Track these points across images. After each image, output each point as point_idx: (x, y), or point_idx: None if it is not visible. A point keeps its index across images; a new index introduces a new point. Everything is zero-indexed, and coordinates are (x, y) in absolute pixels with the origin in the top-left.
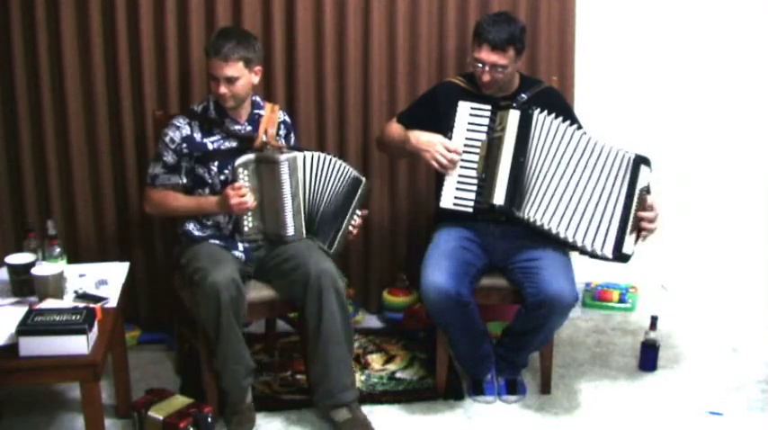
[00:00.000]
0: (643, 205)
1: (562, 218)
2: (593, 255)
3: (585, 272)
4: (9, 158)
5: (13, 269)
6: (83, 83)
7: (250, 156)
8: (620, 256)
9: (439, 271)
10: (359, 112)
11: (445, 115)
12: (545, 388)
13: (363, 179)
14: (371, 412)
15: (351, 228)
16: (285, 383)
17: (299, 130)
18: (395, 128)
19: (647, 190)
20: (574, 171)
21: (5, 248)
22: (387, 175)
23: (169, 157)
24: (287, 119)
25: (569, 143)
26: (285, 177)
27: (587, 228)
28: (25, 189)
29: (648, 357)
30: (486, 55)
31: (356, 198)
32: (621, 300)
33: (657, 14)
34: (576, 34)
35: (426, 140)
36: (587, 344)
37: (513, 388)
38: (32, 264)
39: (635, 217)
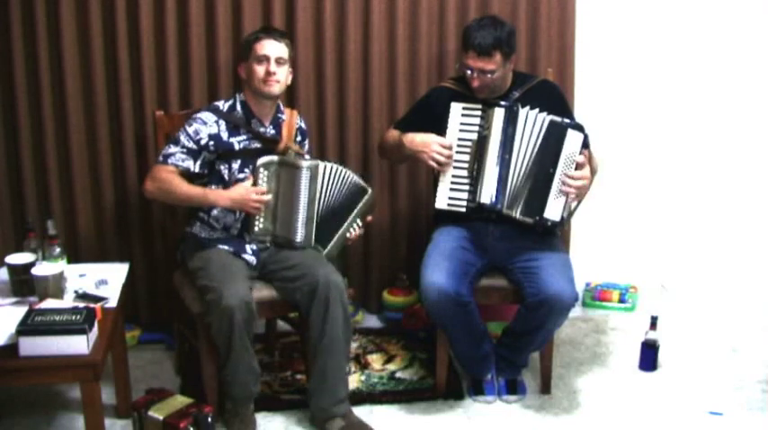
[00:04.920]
0: (572, 168)
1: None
2: (535, 226)
3: (585, 272)
4: (9, 158)
5: (13, 269)
6: (83, 83)
7: (273, 158)
8: (541, 221)
9: (439, 271)
10: (359, 112)
11: (439, 119)
12: (545, 388)
13: (369, 190)
14: (371, 412)
15: (349, 234)
16: (285, 383)
17: None
18: (391, 134)
19: (576, 152)
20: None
21: (5, 248)
22: (387, 176)
23: (190, 144)
24: (303, 125)
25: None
26: (305, 183)
27: (527, 202)
28: (25, 189)
29: (648, 357)
30: (473, 61)
31: (359, 206)
32: (621, 300)
33: (657, 14)
34: (576, 34)
35: (421, 141)
36: (587, 344)
37: (513, 388)
38: (32, 264)
39: (559, 181)
